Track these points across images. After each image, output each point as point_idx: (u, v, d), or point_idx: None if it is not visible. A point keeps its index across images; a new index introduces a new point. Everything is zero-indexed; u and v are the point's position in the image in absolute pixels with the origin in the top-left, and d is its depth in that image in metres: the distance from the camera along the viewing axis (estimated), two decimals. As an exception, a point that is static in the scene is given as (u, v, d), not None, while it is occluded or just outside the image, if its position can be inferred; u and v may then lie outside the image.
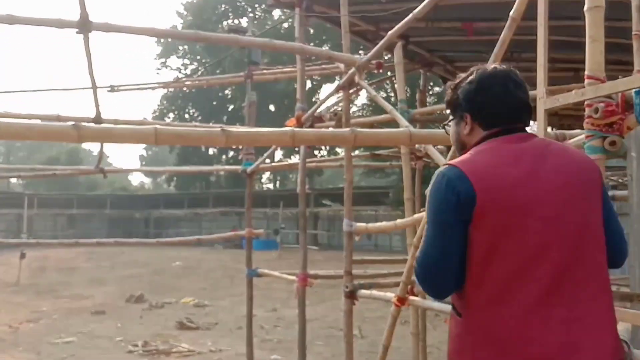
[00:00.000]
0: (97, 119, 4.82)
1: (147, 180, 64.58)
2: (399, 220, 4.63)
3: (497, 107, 1.69)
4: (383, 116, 5.83)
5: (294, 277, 6.21)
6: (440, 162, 3.38)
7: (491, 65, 1.80)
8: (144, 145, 44.06)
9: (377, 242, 31.82)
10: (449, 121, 1.84)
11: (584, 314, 1.53)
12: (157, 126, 2.65)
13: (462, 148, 1.77)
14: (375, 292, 4.56)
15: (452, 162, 1.65)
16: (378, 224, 5.40)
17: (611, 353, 1.54)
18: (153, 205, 40.62)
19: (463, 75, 1.77)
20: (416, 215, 4.08)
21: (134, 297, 14.38)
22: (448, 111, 1.84)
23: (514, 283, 1.52)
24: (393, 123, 4.40)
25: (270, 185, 49.00)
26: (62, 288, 16.42)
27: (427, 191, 1.65)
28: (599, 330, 1.54)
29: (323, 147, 42.86)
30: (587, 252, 1.58)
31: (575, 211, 1.58)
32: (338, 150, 31.39)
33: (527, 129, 1.74)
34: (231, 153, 37.77)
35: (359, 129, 2.94)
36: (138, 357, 8.59)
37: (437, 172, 1.64)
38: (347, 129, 2.88)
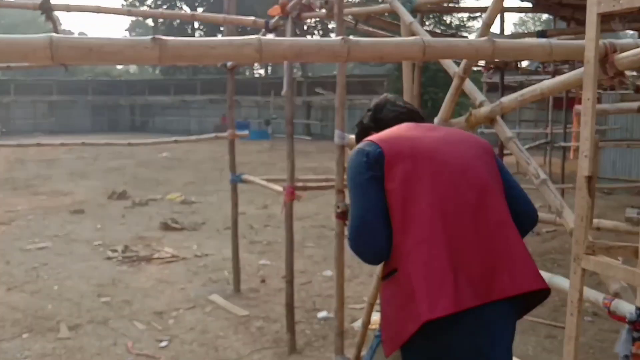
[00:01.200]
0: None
1: (131, 65, 62.05)
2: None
3: (392, 115, 2.16)
4: (381, 6, 4.72)
5: (280, 188, 5.36)
6: (451, 69, 2.96)
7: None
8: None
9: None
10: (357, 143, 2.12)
11: (501, 248, 1.76)
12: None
13: None
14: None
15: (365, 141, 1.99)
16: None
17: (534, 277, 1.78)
18: (138, 91, 39.06)
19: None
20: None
21: (116, 193, 13.64)
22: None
23: (433, 217, 1.74)
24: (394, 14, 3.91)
25: (262, 71, 47.20)
26: (41, 183, 15.64)
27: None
28: (519, 261, 1.76)
29: (316, 32, 40.69)
30: (494, 199, 1.83)
31: (475, 164, 1.86)
32: (332, 35, 29.55)
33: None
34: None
35: (354, 40, 1.90)
36: (117, 265, 7.93)
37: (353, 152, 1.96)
38: (338, 39, 1.86)
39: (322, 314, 5.95)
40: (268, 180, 6.46)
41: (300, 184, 5.24)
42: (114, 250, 8.66)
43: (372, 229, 1.77)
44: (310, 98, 32.17)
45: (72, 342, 5.28)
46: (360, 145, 1.93)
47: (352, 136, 2.61)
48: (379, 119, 2.13)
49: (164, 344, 5.28)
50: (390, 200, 1.76)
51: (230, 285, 6.93)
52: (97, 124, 38.35)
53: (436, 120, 3.01)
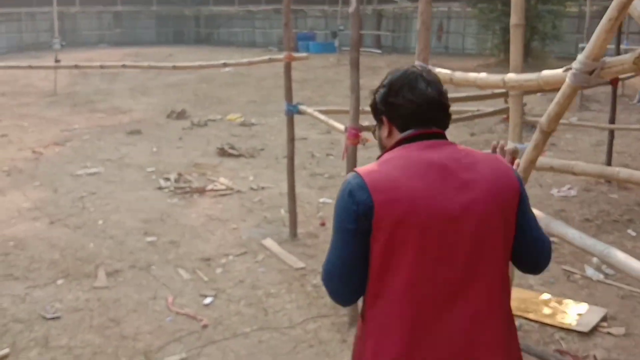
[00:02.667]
0: None
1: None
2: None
3: (408, 108, 1.67)
4: None
5: (341, 127, 4.44)
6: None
7: (404, 66, 1.74)
8: None
9: (448, 45, 28.89)
10: (375, 126, 1.83)
11: (475, 330, 1.58)
12: None
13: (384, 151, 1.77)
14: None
15: (359, 169, 1.65)
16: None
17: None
18: (203, 1, 37.95)
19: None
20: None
21: (175, 112, 13.07)
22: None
23: (404, 298, 1.56)
24: None
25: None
26: (101, 99, 15.28)
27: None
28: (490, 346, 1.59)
29: None
30: (483, 270, 1.59)
31: (479, 231, 1.57)
32: None
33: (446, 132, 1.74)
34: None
35: None
36: (168, 197, 7.37)
37: (344, 180, 1.66)
38: None
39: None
40: (329, 111, 5.54)
41: (367, 124, 4.29)
42: (167, 179, 8.11)
43: (344, 280, 1.65)
44: (381, 6, 30.05)
45: (109, 292, 4.75)
46: (353, 182, 1.62)
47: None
48: (392, 105, 1.72)
49: (208, 300, 4.66)
50: (372, 254, 1.60)
51: (286, 227, 6.21)
52: (162, 36, 37.78)
53: (580, 57, 1.98)
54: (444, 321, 1.56)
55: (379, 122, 1.78)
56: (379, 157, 1.72)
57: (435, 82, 1.70)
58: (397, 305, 1.58)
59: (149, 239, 5.95)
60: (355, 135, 4.08)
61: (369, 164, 1.69)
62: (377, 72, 19.22)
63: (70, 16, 33.10)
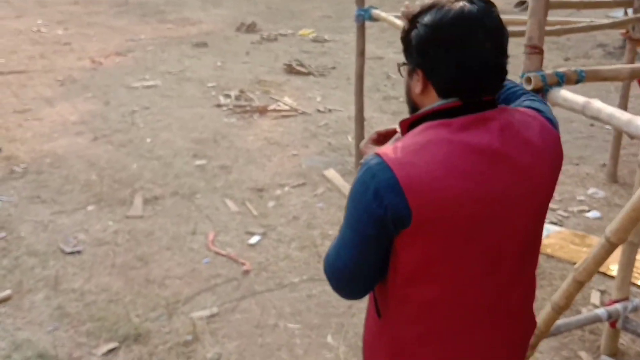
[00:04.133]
0: None
1: None
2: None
3: (455, 71, 1.20)
4: None
5: None
6: None
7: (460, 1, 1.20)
8: None
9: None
10: (403, 64, 1.34)
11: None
12: None
13: (413, 108, 1.34)
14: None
15: (386, 155, 1.18)
16: None
17: None
18: None
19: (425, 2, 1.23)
20: None
21: (245, 25, 12.15)
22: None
23: (440, 308, 1.27)
24: None
25: None
26: (172, 10, 14.53)
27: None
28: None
29: None
30: (525, 274, 1.34)
31: (522, 228, 1.26)
32: None
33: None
34: None
35: None
36: (225, 115, 6.61)
37: (366, 163, 1.22)
38: None
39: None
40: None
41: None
42: (227, 96, 7.34)
43: (356, 281, 1.30)
44: None
45: (142, 223, 4.10)
46: (380, 177, 1.17)
47: None
48: (433, 60, 1.21)
49: (254, 239, 3.92)
50: (399, 258, 1.23)
51: (352, 156, 5.33)
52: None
53: None
54: (483, 331, 1.32)
55: (411, 69, 1.31)
56: (408, 123, 1.30)
57: (497, 32, 1.23)
58: (432, 315, 1.28)
59: (198, 162, 5.24)
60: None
61: (395, 139, 1.32)
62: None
63: None
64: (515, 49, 2.10)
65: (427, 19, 1.21)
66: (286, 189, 4.72)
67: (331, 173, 5.01)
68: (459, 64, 1.20)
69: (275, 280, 3.43)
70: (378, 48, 10.27)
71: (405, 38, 1.28)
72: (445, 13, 1.20)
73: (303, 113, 6.72)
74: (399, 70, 1.39)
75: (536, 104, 1.39)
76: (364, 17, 4.51)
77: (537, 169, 1.24)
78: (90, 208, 4.32)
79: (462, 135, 1.20)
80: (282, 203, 4.47)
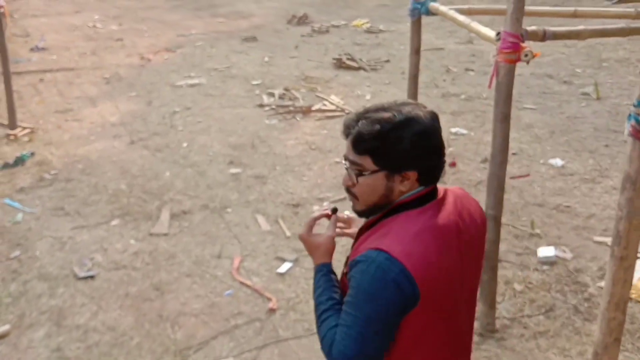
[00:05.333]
0: None
1: None
2: None
3: (441, 164, 1.45)
4: None
5: (491, 34, 2.89)
6: None
7: (415, 109, 1.41)
8: None
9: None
10: (371, 172, 1.40)
11: None
12: None
13: (383, 203, 1.43)
14: None
15: (391, 249, 1.33)
16: None
17: None
18: None
19: (384, 116, 1.39)
20: None
21: (297, 17, 11.73)
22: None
23: None
24: None
25: None
26: (225, 3, 14.26)
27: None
28: None
29: None
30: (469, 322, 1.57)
31: (472, 286, 1.53)
32: None
33: None
34: None
35: None
36: (267, 116, 6.21)
37: (370, 260, 1.33)
38: None
39: (546, 251, 3.61)
40: (474, 11, 3.90)
41: (533, 29, 2.63)
42: (271, 94, 6.94)
43: None
44: None
45: (165, 243, 3.76)
46: (395, 270, 1.31)
47: None
48: (425, 155, 1.40)
49: (284, 267, 3.50)
50: (402, 331, 1.39)
51: (402, 166, 4.81)
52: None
53: None
54: None
55: (391, 174, 1.40)
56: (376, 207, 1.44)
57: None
58: None
59: (234, 170, 4.87)
60: (513, 46, 2.49)
61: (393, 233, 1.36)
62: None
63: None
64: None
65: (413, 131, 1.36)
66: (325, 204, 4.27)
67: (376, 185, 4.52)
68: (439, 149, 1.42)
69: (304, 324, 2.99)
70: (438, 38, 9.62)
71: (387, 150, 1.36)
72: (424, 123, 1.38)
73: (350, 113, 6.23)
74: (355, 177, 1.41)
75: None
76: (419, 11, 3.98)
77: (479, 240, 1.51)
78: (114, 223, 4.02)
79: (437, 220, 1.39)
80: (319, 221, 4.03)
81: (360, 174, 1.39)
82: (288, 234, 3.87)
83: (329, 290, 1.44)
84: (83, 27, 11.04)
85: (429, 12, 4.02)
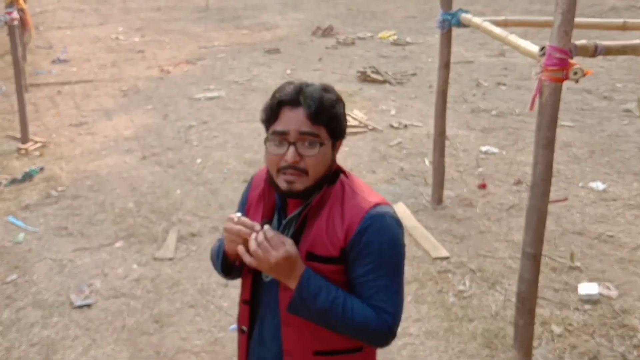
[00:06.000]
0: None
1: None
2: None
3: None
4: None
5: (534, 48, 2.56)
6: None
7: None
8: None
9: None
10: (325, 143, 1.35)
11: None
12: None
13: (327, 174, 1.37)
14: None
15: (384, 202, 1.37)
16: None
17: None
18: None
19: (325, 86, 1.40)
20: None
21: (321, 29, 11.50)
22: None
23: None
24: None
25: None
26: (250, 15, 14.15)
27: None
28: None
29: None
30: None
31: None
32: None
33: None
34: None
35: None
36: (288, 131, 5.94)
37: (388, 216, 1.34)
38: None
39: (588, 288, 3.23)
40: (511, 23, 3.59)
41: (583, 43, 2.29)
42: (292, 108, 6.69)
43: None
44: None
45: (169, 269, 3.49)
46: (398, 219, 1.38)
47: None
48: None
49: (298, 296, 3.19)
50: None
51: (428, 186, 4.49)
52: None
53: None
54: None
55: (335, 143, 1.40)
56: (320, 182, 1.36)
57: None
58: None
59: (248, 188, 4.60)
60: (560, 63, 2.17)
61: (361, 192, 1.37)
62: None
63: None
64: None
65: (342, 101, 1.40)
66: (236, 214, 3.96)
67: (400, 208, 4.20)
68: None
69: None
70: (468, 51, 9.29)
71: (340, 119, 1.37)
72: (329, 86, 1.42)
73: (373, 129, 5.94)
74: (318, 149, 1.32)
75: None
76: (450, 23, 3.67)
77: None
78: (117, 245, 3.77)
79: None
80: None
81: (321, 144, 1.31)
82: (303, 260, 3.57)
83: (329, 285, 1.29)
84: (106, 39, 10.98)
85: (460, 24, 3.72)
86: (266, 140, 1.34)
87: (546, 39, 2.29)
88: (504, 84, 7.58)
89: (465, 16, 3.66)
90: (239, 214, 1.32)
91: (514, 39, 2.83)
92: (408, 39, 10.46)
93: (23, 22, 8.13)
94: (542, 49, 2.28)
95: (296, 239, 1.32)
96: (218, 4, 15.89)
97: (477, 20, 3.47)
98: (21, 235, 3.89)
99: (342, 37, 10.75)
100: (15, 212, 4.20)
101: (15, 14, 5.05)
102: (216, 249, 1.48)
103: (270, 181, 1.36)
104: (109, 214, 4.19)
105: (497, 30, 3.09)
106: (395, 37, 10.68)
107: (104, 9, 14.86)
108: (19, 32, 8.10)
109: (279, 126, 1.32)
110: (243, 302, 1.46)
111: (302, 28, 12.14)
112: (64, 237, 3.88)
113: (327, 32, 11.37)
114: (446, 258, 3.55)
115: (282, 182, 1.31)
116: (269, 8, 15.22)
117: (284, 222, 1.37)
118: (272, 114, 1.35)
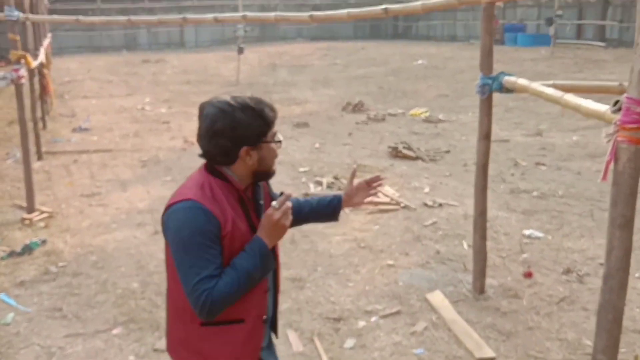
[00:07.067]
0: None
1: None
2: None
3: None
4: None
5: (601, 107, 2.09)
6: None
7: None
8: None
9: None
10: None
11: None
12: None
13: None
14: None
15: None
16: None
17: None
18: (402, -5, 36.12)
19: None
20: None
21: (351, 105, 11.35)
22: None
23: None
24: None
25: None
26: (280, 90, 14.19)
27: None
28: None
29: None
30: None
31: None
32: None
33: None
34: None
35: None
36: (313, 207, 5.54)
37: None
38: None
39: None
40: (570, 88, 3.17)
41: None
42: (318, 183, 6.33)
43: None
44: (609, -7, 25.42)
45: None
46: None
47: None
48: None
49: (316, 405, 2.66)
50: None
51: (468, 273, 3.98)
52: (359, 30, 36.70)
53: None
54: None
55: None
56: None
57: None
58: None
59: (267, 270, 4.14)
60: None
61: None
62: (602, 67, 15.61)
63: (271, 9, 33.62)
64: None
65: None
66: (373, 319, 3.46)
67: (437, 298, 3.68)
68: None
69: None
70: (502, 130, 8.92)
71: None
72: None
73: (406, 207, 5.49)
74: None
75: None
76: (491, 87, 3.30)
77: None
78: (115, 331, 3.31)
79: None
80: (365, 343, 3.20)
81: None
82: (325, 358, 3.05)
83: None
84: (132, 109, 10.97)
85: (503, 88, 3.33)
86: (263, 143, 1.66)
87: (607, 97, 1.89)
88: (544, 164, 7.13)
89: (508, 79, 3.28)
90: (279, 201, 1.60)
91: (571, 98, 2.41)
92: (440, 117, 10.19)
93: (44, 89, 8.11)
94: (617, 103, 1.85)
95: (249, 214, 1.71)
96: (249, 79, 16.07)
97: (523, 81, 3.08)
98: (10, 316, 3.47)
99: (372, 113, 10.54)
100: (8, 289, 3.81)
101: (23, 72, 4.87)
102: (249, 273, 1.58)
103: (257, 180, 1.73)
104: (110, 294, 3.76)
105: (550, 91, 2.68)
106: (427, 115, 10.42)
107: (133, 80, 15.10)
108: (40, 98, 8.06)
109: (275, 133, 1.71)
110: (264, 291, 1.71)
111: (332, 104, 12.03)
112: (57, 319, 3.45)
113: (358, 107, 11.21)
114: (492, 359, 3.00)
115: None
116: (300, 84, 15.30)
117: (261, 202, 1.75)
118: (270, 127, 1.68)
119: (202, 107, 1.67)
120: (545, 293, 3.83)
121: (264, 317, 1.70)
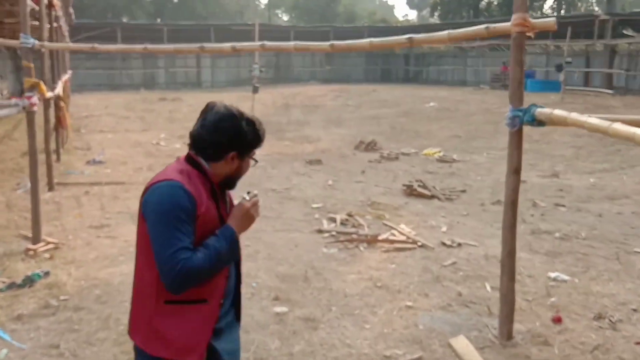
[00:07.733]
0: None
1: (412, 13, 60.33)
2: None
3: None
4: None
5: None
6: None
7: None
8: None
9: None
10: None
11: None
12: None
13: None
14: None
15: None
16: None
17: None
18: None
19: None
20: None
21: (364, 143, 11.24)
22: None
23: None
24: None
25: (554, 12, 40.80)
26: (293, 129, 14.16)
27: None
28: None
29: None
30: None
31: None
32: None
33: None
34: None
35: None
36: (325, 244, 5.33)
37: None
38: None
39: None
40: (616, 118, 3.00)
41: None
42: (332, 220, 6.13)
43: None
44: (615, 41, 25.48)
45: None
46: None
47: None
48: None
49: None
50: None
51: (493, 317, 3.73)
52: (370, 73, 37.09)
53: None
54: None
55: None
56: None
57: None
58: None
59: (278, 309, 3.92)
60: None
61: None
62: (612, 113, 15.45)
63: (285, 53, 34.01)
64: None
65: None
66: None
67: (462, 343, 3.42)
68: None
69: None
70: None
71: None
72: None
73: (423, 246, 5.27)
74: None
75: None
76: (522, 120, 3.12)
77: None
78: (115, 368, 3.08)
79: None
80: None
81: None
82: (340, 408, 2.80)
83: None
84: (147, 144, 10.92)
85: (535, 121, 3.16)
86: (245, 156, 1.90)
87: (620, 142, 1.70)
88: (563, 205, 6.92)
89: (542, 111, 3.11)
90: (251, 195, 1.92)
91: (621, 127, 2.23)
92: (454, 157, 10.03)
93: (60, 121, 8.05)
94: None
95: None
96: (263, 117, 15.68)
97: (561, 112, 2.90)
98: (3, 352, 3.25)
99: (385, 152, 10.41)
100: (4, 323, 3.60)
101: (35, 100, 4.77)
102: (219, 255, 1.70)
103: (224, 184, 1.92)
104: (111, 331, 3.54)
105: (595, 120, 2.50)
106: (441, 154, 10.28)
107: (149, 117, 15.13)
108: (55, 130, 8.00)
109: (258, 152, 1.88)
110: (226, 277, 1.83)
111: (345, 142, 11.94)
112: (53, 357, 3.23)
113: (370, 146, 11.09)
114: (527, 416, 2.73)
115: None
116: (313, 123, 15.27)
117: (227, 200, 1.96)
118: (259, 146, 1.91)
119: (212, 104, 1.82)
120: (577, 340, 3.56)
121: (221, 301, 1.82)
